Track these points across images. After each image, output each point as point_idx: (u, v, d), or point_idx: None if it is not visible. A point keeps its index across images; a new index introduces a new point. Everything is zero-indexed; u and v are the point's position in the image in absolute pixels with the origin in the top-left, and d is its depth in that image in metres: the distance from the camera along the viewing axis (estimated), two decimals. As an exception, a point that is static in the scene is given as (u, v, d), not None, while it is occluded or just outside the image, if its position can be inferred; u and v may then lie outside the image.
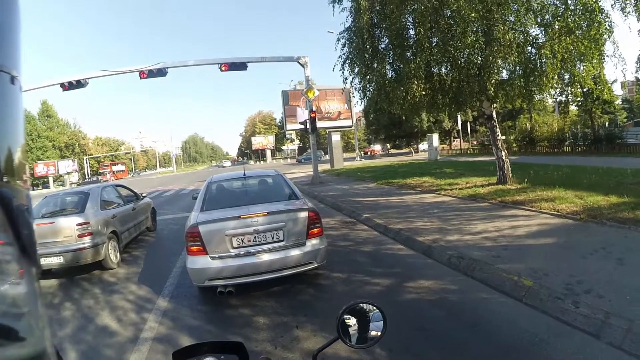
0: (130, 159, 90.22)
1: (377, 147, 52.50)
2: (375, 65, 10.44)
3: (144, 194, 9.70)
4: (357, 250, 6.30)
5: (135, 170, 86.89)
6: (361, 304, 1.28)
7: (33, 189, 59.24)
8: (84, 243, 6.32)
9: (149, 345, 3.78)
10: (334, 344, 1.25)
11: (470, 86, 9.39)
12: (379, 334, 1.25)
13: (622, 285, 3.71)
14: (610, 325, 3.09)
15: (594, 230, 5.68)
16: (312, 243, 4.57)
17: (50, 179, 58.34)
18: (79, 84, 17.58)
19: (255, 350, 3.42)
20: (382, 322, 1.25)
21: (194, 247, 4.35)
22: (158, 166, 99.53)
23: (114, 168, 66.63)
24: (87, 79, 17.72)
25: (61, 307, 5.23)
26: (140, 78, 17.37)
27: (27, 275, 0.51)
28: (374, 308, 1.27)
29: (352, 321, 1.25)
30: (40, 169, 57.91)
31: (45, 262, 6.19)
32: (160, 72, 17.31)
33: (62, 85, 17.57)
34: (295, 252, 4.45)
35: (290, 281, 4.83)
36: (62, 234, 6.32)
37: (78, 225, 6.38)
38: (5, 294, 0.49)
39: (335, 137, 29.20)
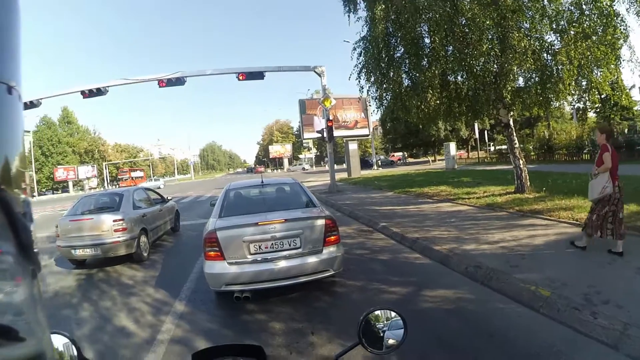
0: (149, 165, 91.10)
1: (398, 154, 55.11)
2: (391, 74, 10.45)
3: (169, 197, 10.53)
4: (373, 258, 6.28)
5: (153, 176, 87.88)
6: (382, 310, 1.27)
7: (53, 193, 60.56)
8: (118, 237, 7.21)
9: (165, 347, 3.84)
10: (353, 350, 1.24)
11: (487, 94, 9.35)
12: (399, 341, 1.24)
13: (641, 295, 3.63)
14: (629, 337, 3.04)
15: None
16: (329, 250, 4.57)
17: (70, 184, 59.66)
18: (99, 92, 17.97)
19: (272, 354, 3.45)
20: (402, 329, 1.25)
21: (212, 253, 4.39)
22: (176, 173, 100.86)
23: (133, 174, 67.53)
24: (107, 87, 18.10)
25: (80, 307, 5.39)
26: (160, 87, 17.74)
27: (27, 276, 0.51)
28: (395, 314, 1.26)
29: (372, 327, 1.25)
30: (60, 173, 59.43)
31: (83, 252, 7.23)
32: (179, 81, 17.62)
33: (82, 92, 17.99)
34: (312, 260, 4.46)
35: (306, 288, 4.82)
36: (100, 229, 7.22)
37: (114, 221, 7.26)
38: (5, 295, 0.49)
39: (353, 146, 29.22)
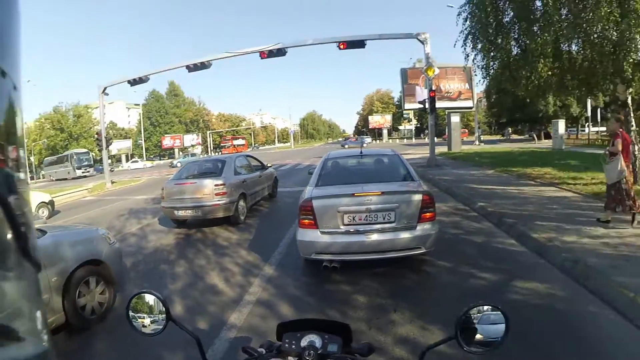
0: (251, 134, 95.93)
1: None
2: (500, 40, 9.73)
3: (269, 164, 11.00)
4: (466, 239, 6.09)
5: (254, 144, 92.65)
6: (484, 306, 1.16)
7: (160, 160, 68.05)
8: (219, 200, 7.83)
9: (250, 307, 4.10)
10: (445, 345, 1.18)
11: (604, 66, 8.25)
12: (498, 341, 1.13)
13: None
14: None
15: None
16: (423, 227, 4.47)
17: (176, 151, 66.26)
18: (203, 66, 19.20)
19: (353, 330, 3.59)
20: (503, 326, 1.14)
21: (306, 220, 4.52)
22: (276, 141, 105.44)
23: (235, 142, 72.30)
24: (211, 60, 19.20)
25: (175, 263, 5.97)
26: (261, 58, 18.26)
27: (28, 276, 0.51)
28: (497, 311, 1.15)
29: (470, 323, 1.15)
30: (167, 141, 66.30)
31: (185, 213, 8.05)
32: (280, 52, 18.02)
33: (187, 67, 19.36)
34: (404, 235, 4.41)
35: (394, 264, 4.81)
36: (202, 192, 7.95)
37: (215, 185, 7.89)
38: (5, 294, 0.49)
39: (455, 119, 27.98)
